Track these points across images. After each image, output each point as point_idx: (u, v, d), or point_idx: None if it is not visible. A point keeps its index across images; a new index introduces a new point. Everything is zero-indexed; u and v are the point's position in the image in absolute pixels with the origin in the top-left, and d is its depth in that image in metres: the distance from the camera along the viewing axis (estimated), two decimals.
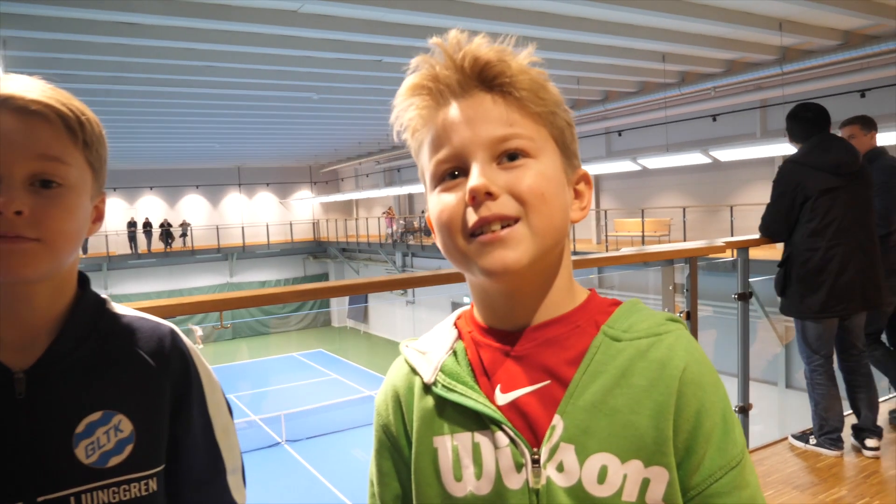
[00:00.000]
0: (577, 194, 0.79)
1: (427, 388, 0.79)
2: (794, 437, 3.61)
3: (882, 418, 3.93)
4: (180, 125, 15.05)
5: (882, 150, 3.87)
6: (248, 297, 1.85)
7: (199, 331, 23.78)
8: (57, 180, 0.81)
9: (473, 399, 0.74)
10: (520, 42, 0.75)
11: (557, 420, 0.72)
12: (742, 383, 3.67)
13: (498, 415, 0.73)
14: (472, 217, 0.70)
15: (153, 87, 10.41)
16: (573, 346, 0.74)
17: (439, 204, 0.73)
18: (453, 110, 0.73)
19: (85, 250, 23.62)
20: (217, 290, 25.80)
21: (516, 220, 0.70)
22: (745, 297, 3.68)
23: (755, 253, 3.79)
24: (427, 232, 22.51)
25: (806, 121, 3.50)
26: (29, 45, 7.76)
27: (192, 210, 27.26)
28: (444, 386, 0.77)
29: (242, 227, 26.94)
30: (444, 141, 0.73)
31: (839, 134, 3.95)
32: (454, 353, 0.79)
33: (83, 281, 0.93)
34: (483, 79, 0.73)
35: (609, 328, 0.74)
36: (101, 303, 0.93)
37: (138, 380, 0.88)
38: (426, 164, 0.76)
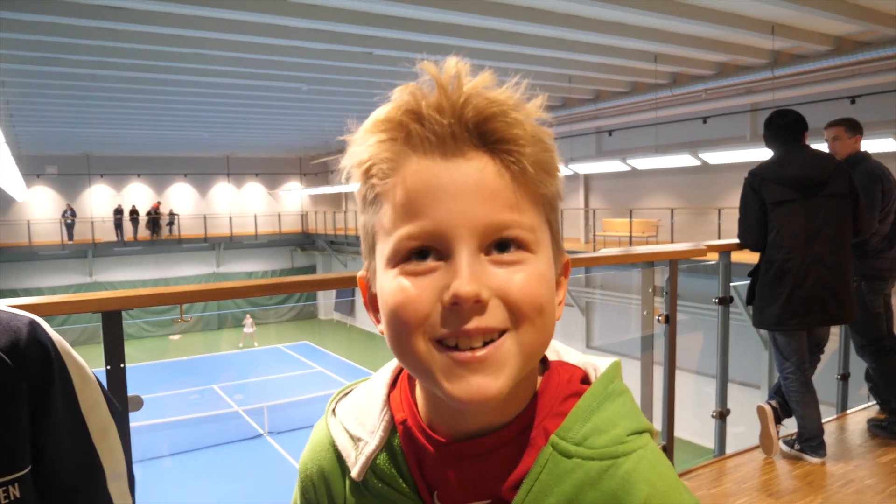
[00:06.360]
0: (557, 286, 0.63)
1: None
2: (784, 441, 3.59)
3: (860, 427, 3.93)
4: (167, 112, 14.90)
5: (865, 155, 3.85)
6: (208, 290, 1.79)
7: (249, 321, 23.30)
8: None
9: None
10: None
11: None
12: (721, 388, 3.65)
13: None
14: (447, 322, 0.54)
15: (139, 74, 10.28)
16: (518, 464, 0.61)
17: (397, 292, 0.56)
18: (437, 169, 0.55)
19: (71, 237, 23.44)
20: (203, 280, 25.65)
21: (501, 333, 0.55)
22: (725, 301, 3.65)
23: (744, 256, 3.76)
24: None
25: (778, 128, 3.48)
26: (13, 26, 7.62)
27: (180, 198, 27.07)
28: (375, 490, 0.66)
29: (230, 217, 26.76)
30: (418, 210, 0.55)
31: (824, 134, 3.92)
32: (390, 447, 0.66)
33: None
34: (484, 135, 0.56)
35: (559, 440, 0.59)
36: None
37: None
38: (383, 226, 0.58)
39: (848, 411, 4.26)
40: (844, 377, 4.36)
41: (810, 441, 3.45)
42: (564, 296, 0.65)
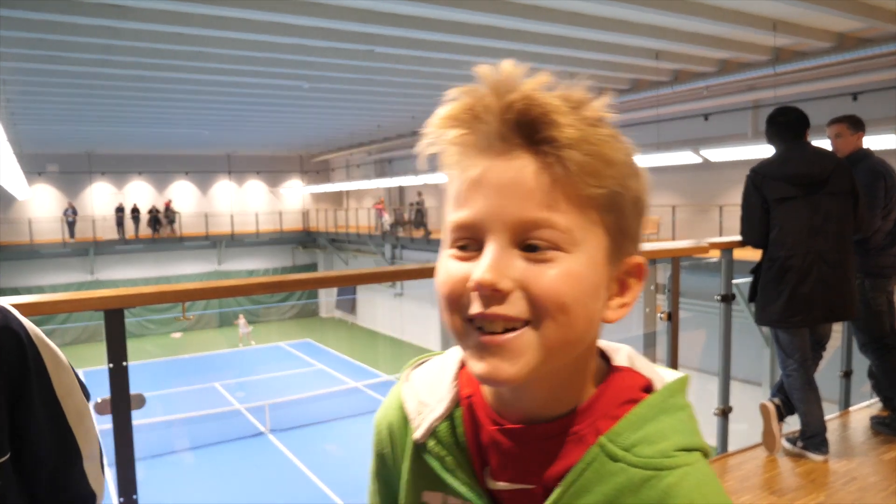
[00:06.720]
0: (623, 288, 0.65)
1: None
2: (787, 438, 3.58)
3: (862, 424, 3.93)
4: (169, 111, 14.89)
5: (868, 152, 3.84)
6: (209, 288, 1.79)
7: (242, 321, 23.31)
8: None
9: (460, 480, 0.68)
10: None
11: None
12: (723, 386, 3.64)
13: (482, 502, 0.66)
14: (472, 305, 0.59)
15: (141, 72, 10.27)
16: (566, 456, 0.63)
17: (444, 272, 0.62)
18: (485, 166, 0.60)
19: (72, 235, 23.47)
20: (205, 278, 25.68)
21: (525, 323, 0.58)
22: (727, 298, 3.64)
23: (746, 253, 3.76)
24: (417, 224, 22.45)
25: (780, 125, 3.47)
26: (14, 24, 7.61)
27: (181, 196, 27.07)
28: (433, 453, 0.70)
29: (231, 215, 26.78)
30: (465, 200, 0.61)
31: (826, 131, 3.91)
32: (451, 418, 0.70)
33: None
34: (528, 136, 0.58)
35: (609, 442, 0.61)
36: None
37: None
38: (449, 208, 0.64)
39: (851, 409, 4.25)
40: (847, 374, 4.35)
41: (813, 438, 3.44)
42: (633, 298, 0.66)
